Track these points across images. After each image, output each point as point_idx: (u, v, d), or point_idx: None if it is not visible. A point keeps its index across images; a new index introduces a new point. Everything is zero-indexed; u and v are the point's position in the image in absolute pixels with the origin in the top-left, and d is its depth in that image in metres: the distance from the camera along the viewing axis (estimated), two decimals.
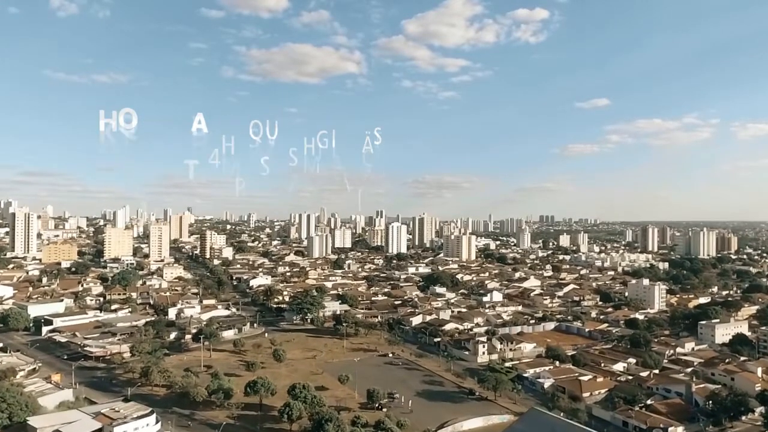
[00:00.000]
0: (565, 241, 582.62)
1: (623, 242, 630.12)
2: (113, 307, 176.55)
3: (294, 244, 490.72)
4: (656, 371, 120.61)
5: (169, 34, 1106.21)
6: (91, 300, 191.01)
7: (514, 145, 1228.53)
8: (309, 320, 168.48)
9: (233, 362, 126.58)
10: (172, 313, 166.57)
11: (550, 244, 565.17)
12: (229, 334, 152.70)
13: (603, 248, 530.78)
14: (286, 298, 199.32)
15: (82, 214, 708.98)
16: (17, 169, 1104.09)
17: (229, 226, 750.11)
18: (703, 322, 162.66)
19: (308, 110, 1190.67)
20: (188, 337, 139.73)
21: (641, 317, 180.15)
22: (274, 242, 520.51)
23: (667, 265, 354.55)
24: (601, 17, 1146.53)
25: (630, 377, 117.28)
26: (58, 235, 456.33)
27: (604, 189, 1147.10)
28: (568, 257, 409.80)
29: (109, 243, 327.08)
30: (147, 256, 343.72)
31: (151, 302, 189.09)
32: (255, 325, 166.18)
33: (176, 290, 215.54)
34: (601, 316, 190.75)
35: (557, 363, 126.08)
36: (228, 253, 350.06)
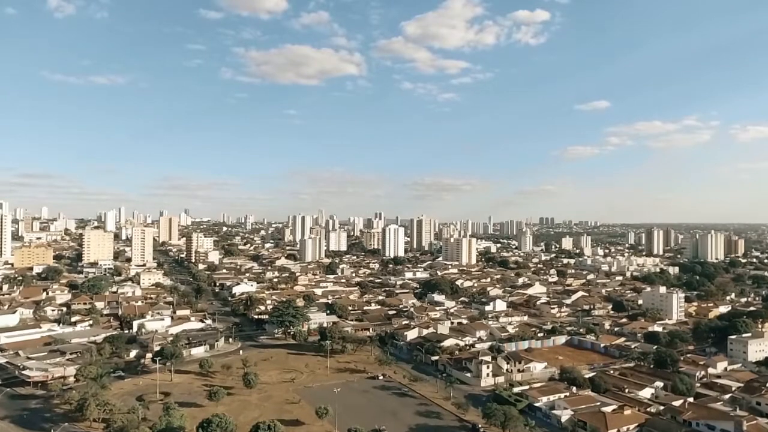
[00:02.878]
0: (567, 243, 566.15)
1: (626, 245, 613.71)
2: (74, 319, 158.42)
3: (288, 247, 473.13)
4: (691, 399, 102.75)
5: (168, 36, 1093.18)
6: (53, 310, 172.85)
7: (514, 147, 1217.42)
8: (291, 334, 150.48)
9: (197, 387, 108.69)
10: (137, 326, 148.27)
11: (553, 246, 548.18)
12: (199, 351, 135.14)
13: (607, 251, 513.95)
14: (270, 308, 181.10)
15: (79, 216, 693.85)
16: (15, 171, 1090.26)
17: (225, 228, 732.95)
18: (733, 336, 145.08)
19: (308, 112, 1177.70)
20: (149, 356, 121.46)
21: (660, 330, 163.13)
22: (267, 245, 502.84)
23: (677, 269, 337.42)
24: (601, 19, 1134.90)
25: (661, 407, 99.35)
26: (40, 238, 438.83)
27: (603, 191, 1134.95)
28: (572, 261, 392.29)
29: (89, 246, 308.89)
30: (130, 260, 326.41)
31: (119, 313, 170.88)
32: (230, 339, 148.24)
33: (151, 298, 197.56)
34: (616, 328, 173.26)
35: (574, 388, 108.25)
36: (214, 256, 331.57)
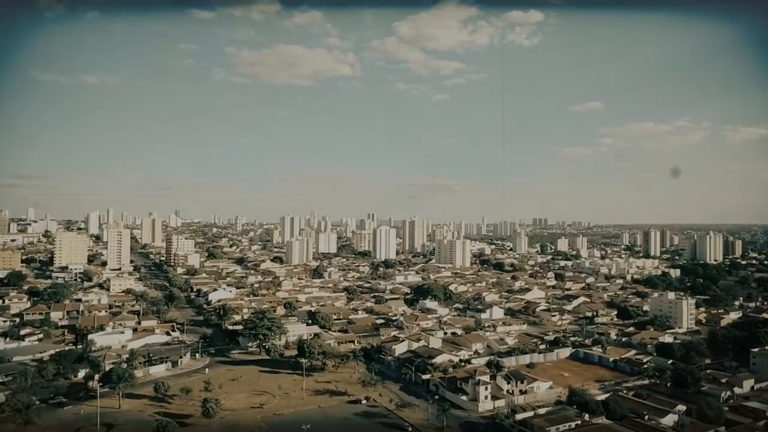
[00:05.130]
0: (563, 245, 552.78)
1: (622, 246, 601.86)
2: (24, 331, 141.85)
3: (275, 249, 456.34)
4: (722, 429, 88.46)
5: (159, 35, 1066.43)
6: (5, 321, 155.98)
7: (507, 147, 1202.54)
8: (265, 349, 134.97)
9: (148, 417, 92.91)
10: (88, 341, 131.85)
11: (548, 248, 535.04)
12: (159, 369, 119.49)
13: (603, 252, 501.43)
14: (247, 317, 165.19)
15: (69, 217, 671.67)
16: (6, 172, 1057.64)
17: (214, 230, 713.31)
18: (756, 349, 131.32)
19: (301, 113, 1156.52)
20: (97, 377, 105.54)
21: (672, 340, 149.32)
22: (254, 247, 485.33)
23: (678, 271, 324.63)
24: (595, 20, 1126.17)
25: None
26: (15, 240, 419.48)
27: (597, 192, 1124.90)
28: (569, 263, 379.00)
29: (60, 249, 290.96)
30: (106, 263, 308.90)
31: (77, 325, 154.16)
32: (198, 355, 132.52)
33: (118, 307, 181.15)
34: (624, 339, 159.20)
35: (586, 415, 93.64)
36: (194, 259, 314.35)
